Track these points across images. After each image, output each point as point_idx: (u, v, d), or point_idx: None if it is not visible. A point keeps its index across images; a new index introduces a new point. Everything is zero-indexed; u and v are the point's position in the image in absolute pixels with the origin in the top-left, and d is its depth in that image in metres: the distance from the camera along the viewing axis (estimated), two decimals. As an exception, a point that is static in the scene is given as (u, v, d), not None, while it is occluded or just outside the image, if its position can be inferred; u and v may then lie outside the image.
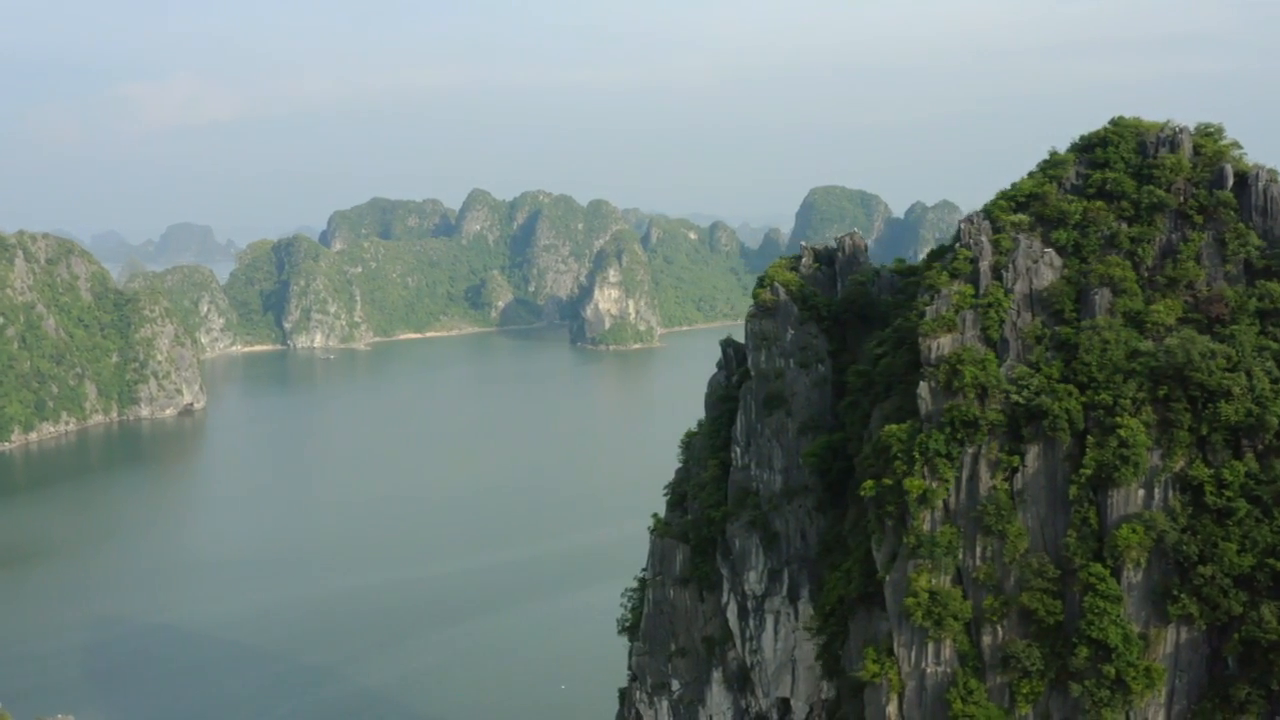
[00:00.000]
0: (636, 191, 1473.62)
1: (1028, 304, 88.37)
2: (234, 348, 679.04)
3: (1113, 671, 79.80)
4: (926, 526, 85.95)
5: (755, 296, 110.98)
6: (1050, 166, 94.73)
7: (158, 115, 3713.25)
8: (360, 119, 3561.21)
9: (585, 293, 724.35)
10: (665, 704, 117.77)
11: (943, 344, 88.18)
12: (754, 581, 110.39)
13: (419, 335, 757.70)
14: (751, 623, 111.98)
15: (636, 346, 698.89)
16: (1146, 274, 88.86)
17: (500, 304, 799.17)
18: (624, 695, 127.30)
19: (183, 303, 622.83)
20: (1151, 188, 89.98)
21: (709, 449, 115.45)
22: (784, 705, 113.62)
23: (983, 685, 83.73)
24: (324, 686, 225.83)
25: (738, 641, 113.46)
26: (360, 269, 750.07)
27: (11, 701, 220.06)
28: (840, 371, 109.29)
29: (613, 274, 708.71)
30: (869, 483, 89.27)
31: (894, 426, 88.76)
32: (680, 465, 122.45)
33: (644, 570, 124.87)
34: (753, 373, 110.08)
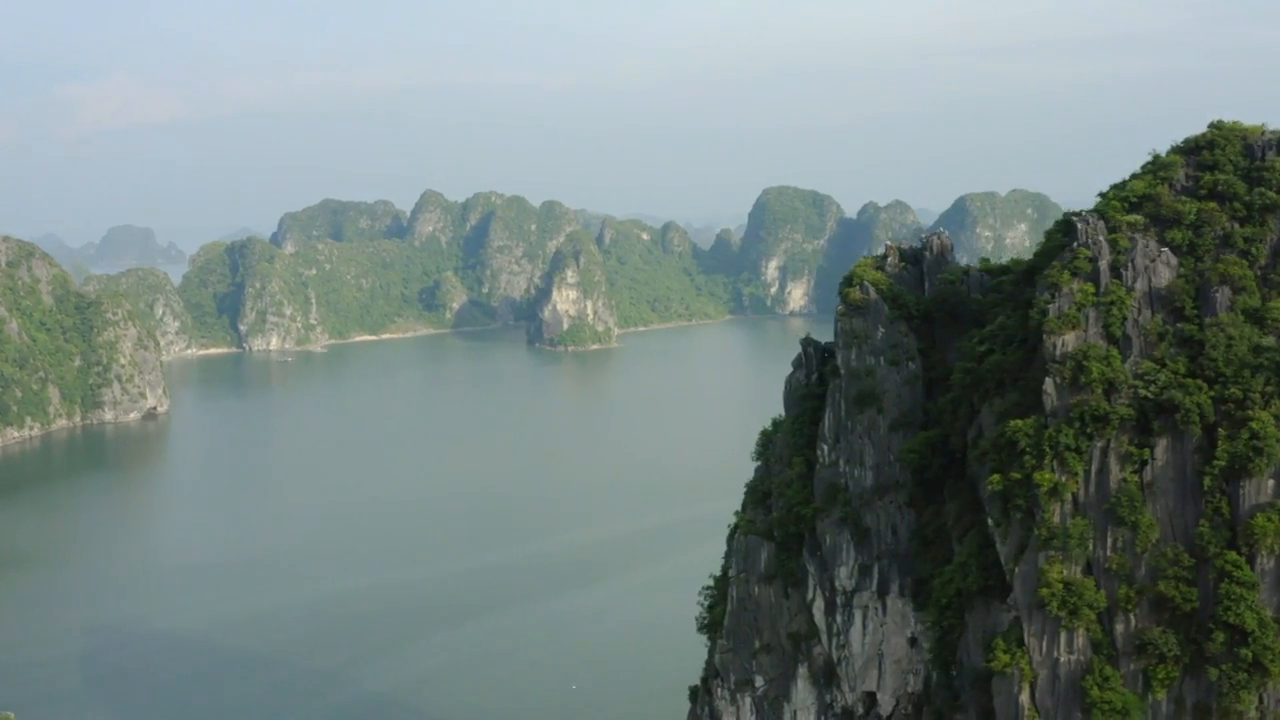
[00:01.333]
0: (586, 192, 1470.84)
1: (1147, 302, 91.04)
2: (189, 351, 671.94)
3: (1250, 655, 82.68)
4: (1056, 519, 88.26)
5: (845, 296, 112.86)
6: (1159, 169, 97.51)
7: (95, 116, 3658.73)
8: (302, 120, 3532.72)
9: (543, 293, 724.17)
10: (748, 701, 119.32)
11: (1067, 341, 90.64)
12: (844, 577, 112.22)
13: (374, 337, 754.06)
14: (839, 618, 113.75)
15: (595, 347, 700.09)
16: (1260, 272, 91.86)
17: (454, 305, 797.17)
18: (696, 693, 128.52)
19: (138, 305, 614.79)
20: (1263, 189, 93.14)
21: (792, 447, 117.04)
22: (870, 699, 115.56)
23: (1117, 672, 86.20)
24: (331, 691, 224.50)
25: (824, 637, 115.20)
26: (315, 271, 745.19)
27: (17, 711, 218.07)
28: (929, 369, 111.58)
29: (570, 274, 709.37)
30: (995, 477, 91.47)
31: (1019, 422, 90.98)
32: (759, 464, 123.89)
33: (723, 568, 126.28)
34: (842, 371, 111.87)
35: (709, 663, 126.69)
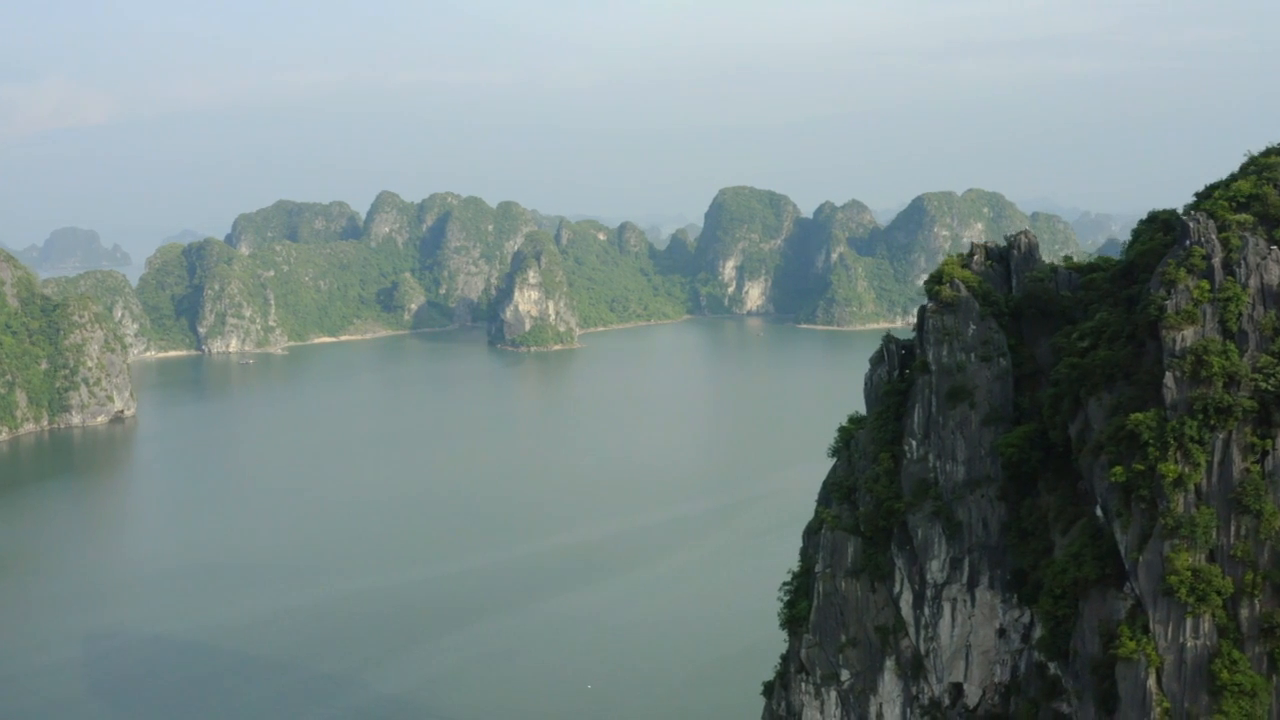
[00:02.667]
0: (539, 193, 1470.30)
1: (1260, 298, 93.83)
2: (148, 353, 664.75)
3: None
4: (1181, 508, 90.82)
5: (935, 293, 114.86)
6: (1262, 169, 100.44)
7: (33, 118, 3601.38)
8: (244, 120, 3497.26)
9: (504, 294, 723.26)
10: (834, 694, 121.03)
11: (1185, 336, 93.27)
12: (935, 570, 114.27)
13: (333, 339, 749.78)
14: (928, 610, 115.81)
15: (557, 348, 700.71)
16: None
17: (413, 307, 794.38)
18: (771, 688, 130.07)
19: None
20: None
21: (877, 443, 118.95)
22: (956, 690, 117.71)
23: (1244, 655, 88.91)
24: (343, 695, 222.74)
25: (912, 630, 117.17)
26: (273, 272, 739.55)
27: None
28: (1017, 365, 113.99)
29: (532, 275, 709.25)
30: (1118, 469, 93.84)
31: (1139, 415, 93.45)
32: (838, 460, 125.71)
33: (800, 564, 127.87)
34: (933, 367, 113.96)
35: (786, 658, 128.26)
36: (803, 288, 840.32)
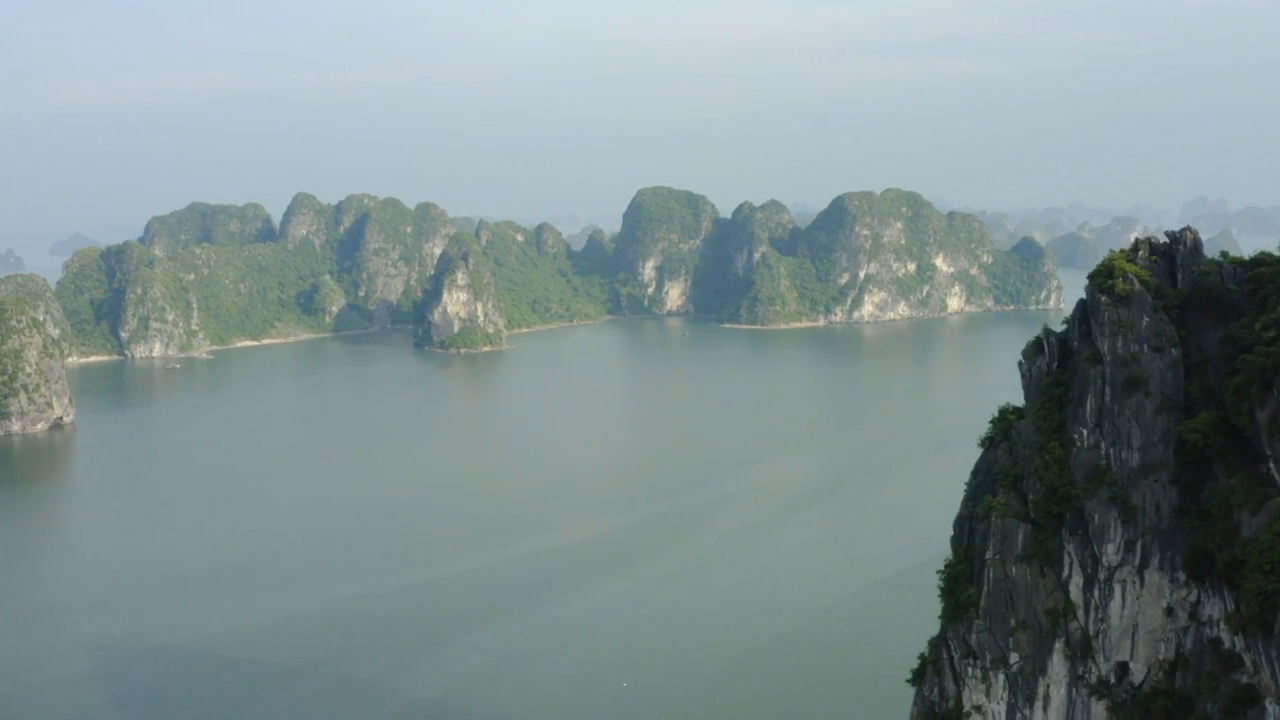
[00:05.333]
0: (456, 194, 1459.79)
1: None
2: (70, 359, 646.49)
3: None
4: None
5: (1108, 287, 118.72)
6: None
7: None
8: (133, 123, 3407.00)
9: (431, 296, 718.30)
10: (1002, 677, 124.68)
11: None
12: (1111, 553, 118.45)
13: (255, 342, 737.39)
14: (1098, 592, 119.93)
15: (487, 349, 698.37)
16: None
17: (334, 309, 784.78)
18: (921, 675, 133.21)
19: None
20: None
21: (1044, 432, 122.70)
22: (1122, 668, 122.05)
23: None
24: (379, 699, 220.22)
25: (1081, 612, 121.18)
26: (194, 276, 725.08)
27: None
28: (1185, 355, 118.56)
29: (460, 277, 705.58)
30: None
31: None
32: (1000, 449, 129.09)
33: (955, 553, 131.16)
34: (1108, 358, 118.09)
35: (939, 644, 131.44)
36: (722, 288, 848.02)
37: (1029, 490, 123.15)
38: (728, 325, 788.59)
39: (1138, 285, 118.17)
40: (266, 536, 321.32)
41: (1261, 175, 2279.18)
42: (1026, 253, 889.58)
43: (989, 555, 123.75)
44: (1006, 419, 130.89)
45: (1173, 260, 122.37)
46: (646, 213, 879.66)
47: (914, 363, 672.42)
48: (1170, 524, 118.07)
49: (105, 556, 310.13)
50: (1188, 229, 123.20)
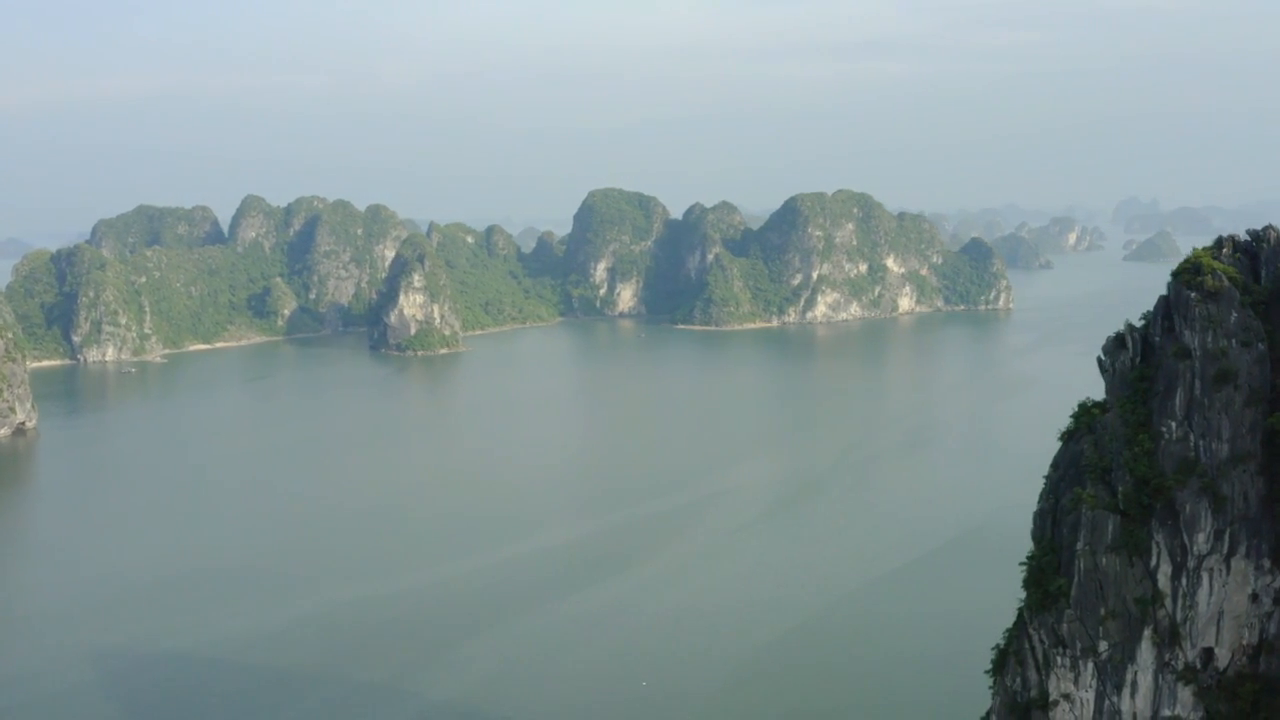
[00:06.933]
0: (406, 196, 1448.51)
1: None
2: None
3: None
4: None
5: (1196, 284, 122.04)
6: None
7: None
8: (54, 128, 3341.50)
9: (387, 298, 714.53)
10: (1091, 665, 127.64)
11: None
12: (1201, 542, 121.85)
13: (208, 346, 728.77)
14: (1186, 581, 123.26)
15: (444, 351, 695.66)
16: None
17: (285, 312, 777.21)
18: (1003, 665, 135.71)
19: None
20: None
21: (1130, 425, 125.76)
22: (1207, 654, 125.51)
23: None
24: (398, 703, 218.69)
25: (1169, 600, 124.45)
26: (145, 279, 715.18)
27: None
28: (1270, 349, 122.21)
29: (417, 279, 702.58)
30: None
31: None
32: (1085, 443, 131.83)
33: (1038, 546, 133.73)
34: (1198, 353, 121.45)
35: (1019, 634, 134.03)
36: (674, 289, 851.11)
37: (1118, 482, 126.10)
38: (681, 326, 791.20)
39: (1225, 282, 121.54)
40: (250, 541, 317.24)
41: (1191, 177, 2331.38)
42: (975, 253, 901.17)
43: (1079, 546, 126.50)
44: (1089, 413, 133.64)
45: (1255, 257, 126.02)
46: (598, 214, 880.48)
47: (872, 363, 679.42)
48: (1257, 513, 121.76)
49: (87, 563, 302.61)
50: (1270, 227, 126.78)
